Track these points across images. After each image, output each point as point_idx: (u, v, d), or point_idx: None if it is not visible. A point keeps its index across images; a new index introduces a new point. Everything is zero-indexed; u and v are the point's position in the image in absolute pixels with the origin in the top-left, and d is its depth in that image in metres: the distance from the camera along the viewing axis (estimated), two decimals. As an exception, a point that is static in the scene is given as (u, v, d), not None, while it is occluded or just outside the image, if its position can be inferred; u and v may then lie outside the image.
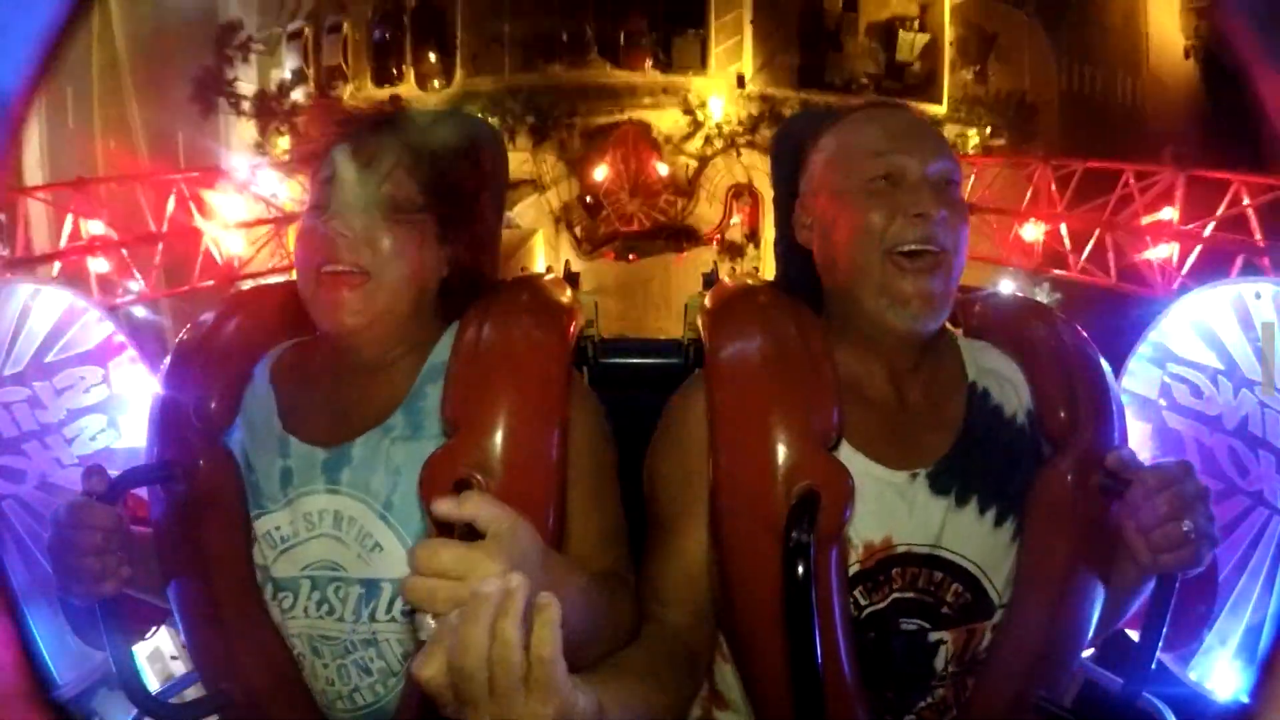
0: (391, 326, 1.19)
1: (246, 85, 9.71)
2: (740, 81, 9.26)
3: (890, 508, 1.15)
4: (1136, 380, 1.53)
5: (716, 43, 9.37)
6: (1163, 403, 1.48)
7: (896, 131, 1.20)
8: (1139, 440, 1.48)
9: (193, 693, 1.28)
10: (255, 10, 9.91)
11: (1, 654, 0.65)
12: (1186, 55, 10.28)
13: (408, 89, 9.59)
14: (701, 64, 9.38)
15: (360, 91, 9.64)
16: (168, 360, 1.25)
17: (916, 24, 9.65)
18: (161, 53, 9.61)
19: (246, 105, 9.60)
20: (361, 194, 1.16)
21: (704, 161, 9.44)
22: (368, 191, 1.16)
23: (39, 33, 0.58)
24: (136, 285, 7.17)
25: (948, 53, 9.61)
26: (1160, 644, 1.05)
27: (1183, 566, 1.04)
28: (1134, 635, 1.21)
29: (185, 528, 1.19)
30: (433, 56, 9.61)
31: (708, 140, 9.36)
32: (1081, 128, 9.72)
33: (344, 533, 1.18)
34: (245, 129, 9.63)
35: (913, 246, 1.14)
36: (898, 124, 1.21)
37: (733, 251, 9.50)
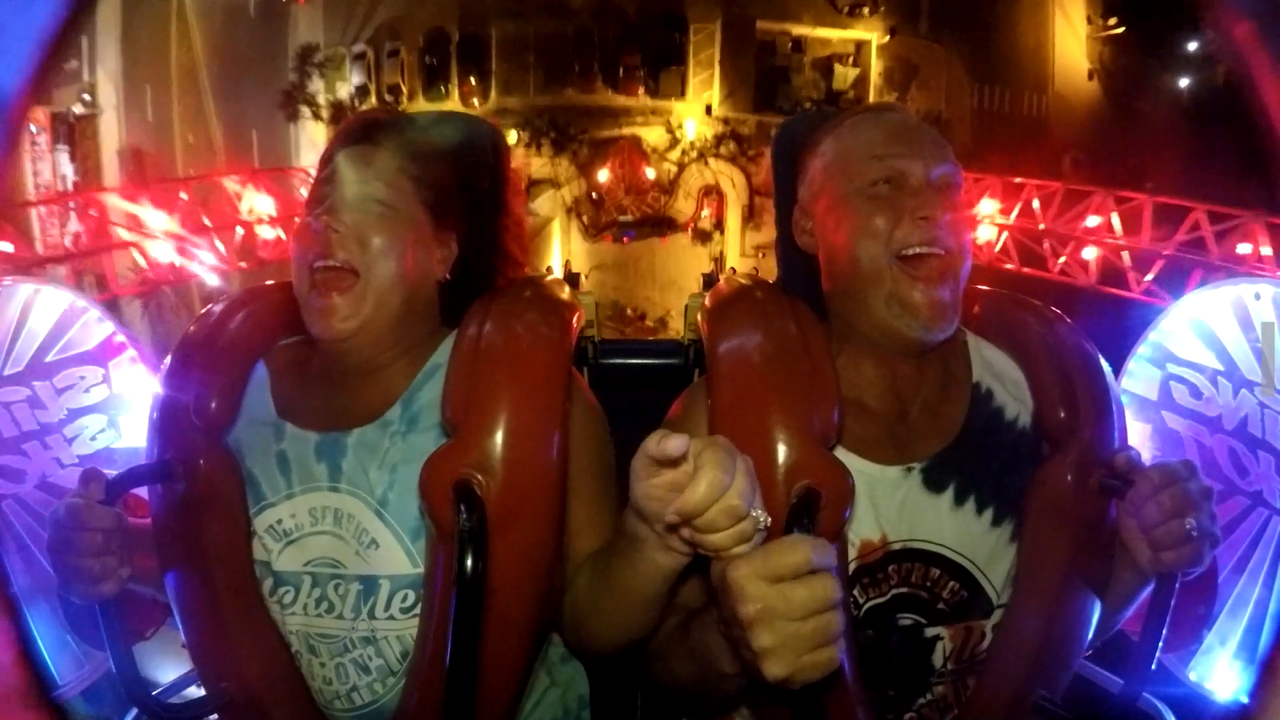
0: (383, 330, 1.19)
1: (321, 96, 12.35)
2: (708, 110, 12.93)
3: (882, 505, 1.15)
4: (1136, 381, 1.52)
5: (694, 75, 12.85)
6: (1162, 403, 1.48)
7: (897, 134, 1.19)
8: (1138, 440, 1.48)
9: (193, 692, 1.28)
10: (322, 30, 12.53)
11: (1, 654, 0.65)
12: (1090, 77, 12.86)
13: (453, 104, 12.24)
14: (681, 93, 12.91)
15: (413, 104, 12.26)
16: (169, 359, 1.25)
17: (851, 60, 12.97)
18: (236, 58, 11.81)
19: (324, 113, 12.40)
20: (354, 191, 1.16)
21: (681, 168, 12.90)
22: (360, 188, 1.17)
23: (39, 33, 0.58)
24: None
25: (875, 82, 12.86)
26: (1160, 644, 1.05)
27: (1185, 565, 1.04)
28: (1134, 635, 1.21)
29: (185, 527, 1.19)
30: (473, 79, 12.64)
31: (684, 152, 12.90)
32: (991, 139, 12.08)
33: (343, 529, 1.18)
34: (316, 130, 12.40)
35: (918, 249, 1.13)
36: (898, 126, 1.20)
37: (703, 237, 13.06)
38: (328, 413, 1.22)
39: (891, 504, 1.16)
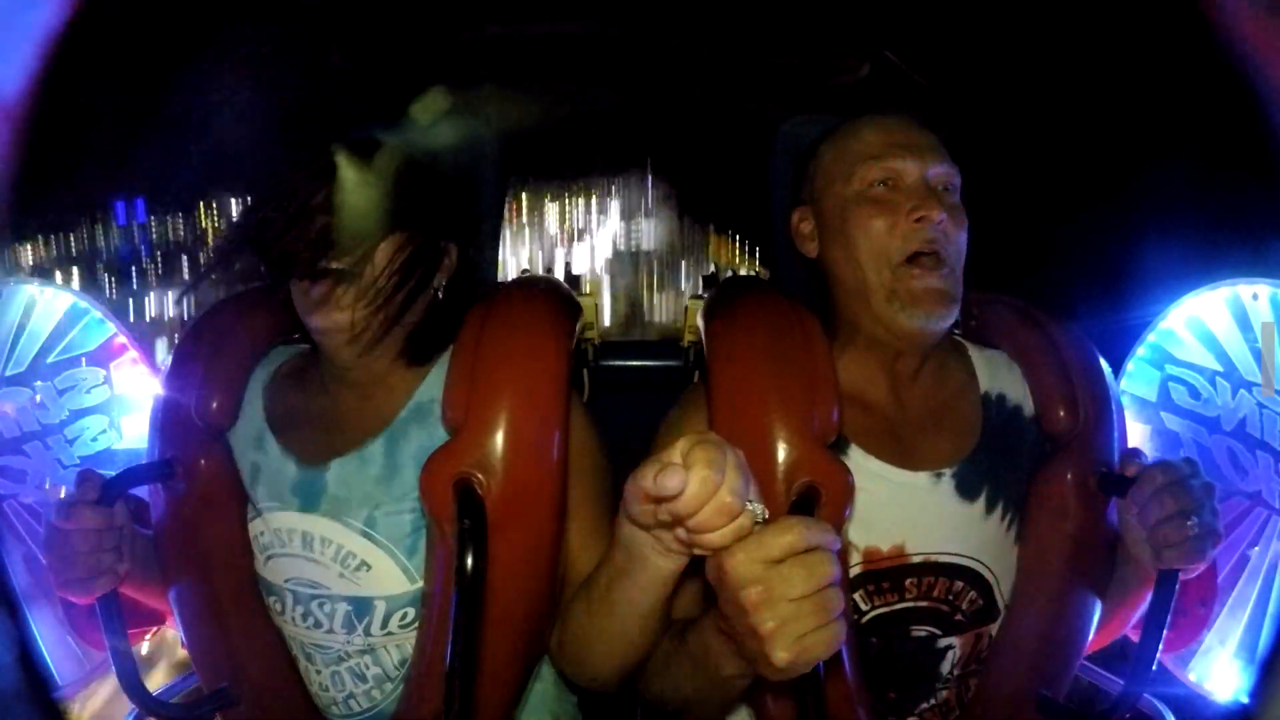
0: (378, 334, 1.17)
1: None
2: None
3: (907, 514, 1.14)
4: (1135, 381, 1.52)
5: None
6: (1161, 404, 1.48)
7: (894, 136, 1.19)
8: (1138, 441, 1.48)
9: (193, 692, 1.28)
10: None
11: (1, 654, 0.65)
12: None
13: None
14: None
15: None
16: (170, 358, 1.25)
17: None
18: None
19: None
20: (353, 195, 1.16)
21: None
22: (359, 193, 1.16)
23: (39, 33, 0.59)
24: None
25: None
26: (1160, 644, 1.05)
27: (1187, 562, 1.04)
28: (1134, 636, 1.21)
29: (186, 526, 1.20)
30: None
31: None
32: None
33: (317, 553, 1.17)
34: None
35: (916, 249, 1.14)
36: (895, 128, 1.21)
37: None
38: (311, 434, 1.21)
39: (920, 515, 1.15)
